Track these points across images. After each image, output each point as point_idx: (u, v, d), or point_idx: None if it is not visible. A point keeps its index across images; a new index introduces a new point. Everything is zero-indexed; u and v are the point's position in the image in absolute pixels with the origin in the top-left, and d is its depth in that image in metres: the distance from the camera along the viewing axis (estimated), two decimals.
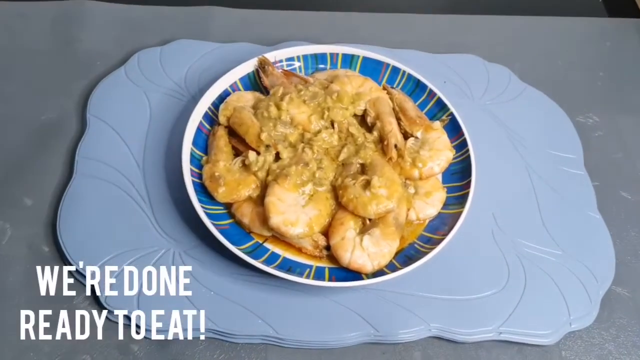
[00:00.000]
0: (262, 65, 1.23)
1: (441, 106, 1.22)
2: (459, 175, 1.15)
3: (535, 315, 1.04)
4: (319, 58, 1.28)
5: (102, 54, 1.36)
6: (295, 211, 1.02)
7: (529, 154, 1.25)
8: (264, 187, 1.07)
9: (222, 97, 1.20)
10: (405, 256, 1.05)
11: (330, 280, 1.01)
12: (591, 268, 1.10)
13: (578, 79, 1.43)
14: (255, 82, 1.25)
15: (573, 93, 1.39)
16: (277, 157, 1.09)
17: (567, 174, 1.23)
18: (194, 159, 1.12)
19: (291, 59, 1.27)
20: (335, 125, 1.14)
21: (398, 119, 1.17)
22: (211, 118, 1.19)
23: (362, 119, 1.19)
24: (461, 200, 1.10)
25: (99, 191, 1.11)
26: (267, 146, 1.09)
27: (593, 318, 1.06)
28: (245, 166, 1.09)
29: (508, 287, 1.07)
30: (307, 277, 1.01)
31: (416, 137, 1.16)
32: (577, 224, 1.16)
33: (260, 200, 1.06)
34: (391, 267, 1.03)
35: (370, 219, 1.05)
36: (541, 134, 1.29)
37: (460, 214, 1.07)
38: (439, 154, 1.12)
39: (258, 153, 1.09)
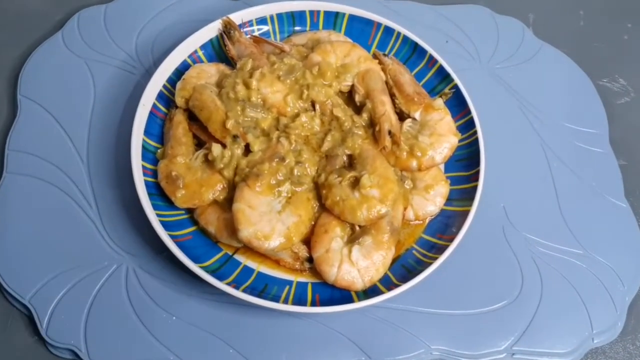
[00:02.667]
0: (227, 29, 1.01)
1: (443, 76, 1.03)
2: (464, 162, 0.97)
3: (553, 330, 0.90)
4: (297, 17, 1.06)
5: (34, 15, 1.13)
6: (270, 220, 0.85)
7: (545, 129, 1.07)
8: (232, 188, 0.89)
9: (181, 71, 0.99)
10: (402, 266, 0.89)
11: (314, 299, 0.86)
12: (616, 269, 0.96)
13: (602, 33, 1.22)
14: (220, 50, 1.03)
15: (596, 51, 1.19)
16: (247, 149, 0.91)
17: (588, 153, 1.06)
18: (147, 153, 0.93)
19: (263, 20, 1.05)
20: (317, 107, 0.94)
21: (392, 95, 0.98)
22: (168, 98, 0.98)
23: (348, 95, 0.99)
24: (467, 194, 0.93)
25: (33, 193, 0.93)
26: (235, 136, 0.90)
27: (619, 330, 0.92)
28: (209, 162, 0.90)
29: (522, 297, 0.92)
30: (287, 296, 0.85)
31: (414, 119, 0.97)
32: (600, 215, 1.00)
33: (227, 203, 0.89)
34: (386, 281, 0.88)
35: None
36: (559, 104, 1.10)
37: (466, 212, 0.90)
38: (442, 140, 0.94)
39: (224, 145, 0.90)
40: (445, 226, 0.92)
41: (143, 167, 0.91)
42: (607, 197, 1.02)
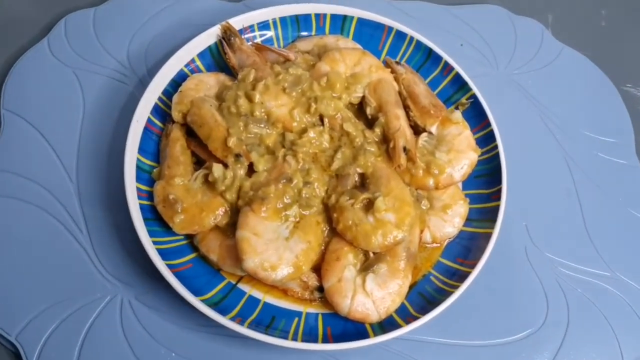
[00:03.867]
0: (227, 35, 0.93)
1: (460, 84, 0.96)
2: (484, 179, 0.90)
3: None
4: (302, 22, 0.99)
5: (17, 20, 1.05)
6: (277, 248, 0.78)
7: (568, 140, 1.01)
8: (235, 212, 0.82)
9: (177, 82, 0.92)
10: (420, 294, 0.83)
11: (325, 332, 0.80)
12: None
13: (624, 34, 1.15)
14: (220, 57, 0.96)
15: (619, 53, 1.12)
16: (251, 168, 0.83)
17: (614, 166, 1.00)
18: (142, 172, 0.86)
19: (265, 24, 0.97)
20: (326, 122, 0.87)
21: (406, 107, 0.91)
22: (163, 112, 0.91)
23: (359, 107, 0.92)
24: (488, 214, 0.87)
25: (18, 217, 0.87)
26: (237, 155, 0.82)
27: None
28: (210, 183, 0.83)
29: (547, 325, 0.86)
30: (296, 330, 0.80)
31: (430, 133, 0.90)
32: (628, 233, 0.95)
33: (230, 229, 0.82)
34: (402, 311, 0.81)
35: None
36: (582, 112, 1.04)
37: (488, 235, 0.84)
38: (460, 156, 0.87)
39: (225, 165, 0.82)
40: (465, 249, 0.86)
41: (138, 189, 0.84)
42: (634, 213, 0.96)
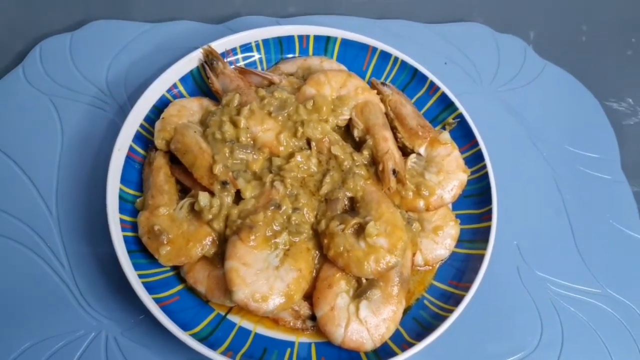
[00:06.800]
0: (209, 59, 0.91)
1: (446, 104, 0.95)
2: (474, 199, 0.89)
3: None
4: (284, 43, 0.97)
5: None
6: (267, 277, 0.76)
7: (555, 157, 1.01)
8: (223, 241, 0.79)
9: (159, 108, 0.89)
10: (414, 320, 0.82)
11: None
12: (638, 307, 0.91)
13: (605, 49, 1.16)
14: (202, 81, 0.93)
15: (600, 68, 1.13)
16: (238, 195, 0.81)
17: (601, 182, 1.00)
18: (124, 203, 0.83)
19: (247, 47, 0.96)
20: (313, 145, 0.86)
21: (393, 128, 0.89)
22: (146, 139, 0.88)
23: (345, 129, 0.91)
24: (479, 235, 0.86)
25: None
26: (224, 183, 0.80)
27: None
28: (196, 212, 0.80)
29: (541, 347, 0.85)
30: None
31: (418, 154, 0.89)
32: (617, 249, 0.95)
33: (218, 259, 0.80)
34: (397, 337, 0.80)
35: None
36: (568, 128, 1.04)
37: (480, 256, 0.83)
38: (450, 177, 0.86)
39: (212, 193, 0.80)
40: (458, 271, 0.85)
41: (121, 220, 0.81)
42: (622, 229, 0.96)
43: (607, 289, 0.90)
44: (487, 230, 0.85)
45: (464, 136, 0.92)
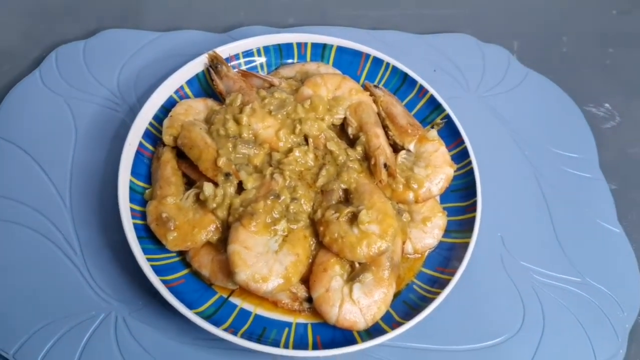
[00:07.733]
0: (214, 64, 0.98)
1: (435, 106, 1.01)
2: (461, 193, 0.95)
3: None
4: (284, 50, 1.04)
5: (9, 53, 1.08)
6: (267, 260, 0.81)
7: (537, 157, 1.07)
8: (226, 228, 0.85)
9: (166, 108, 0.96)
10: (404, 302, 0.87)
11: (315, 341, 0.83)
12: (615, 296, 0.95)
13: (584, 59, 1.24)
14: (207, 84, 1.00)
15: (580, 76, 1.20)
16: (240, 186, 0.87)
17: (580, 179, 1.05)
18: (134, 194, 0.89)
19: (249, 52, 1.03)
20: (310, 141, 0.92)
21: (385, 127, 0.96)
22: (154, 136, 0.95)
23: (341, 128, 0.97)
24: (465, 225, 0.92)
25: (12, 240, 0.89)
26: (227, 174, 0.86)
27: (621, 358, 0.90)
28: (201, 202, 0.86)
29: (524, 330, 0.90)
30: (287, 339, 0.82)
31: (408, 150, 0.95)
32: (595, 241, 1.00)
33: (221, 244, 0.85)
34: (387, 318, 0.85)
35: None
36: (548, 130, 1.10)
37: (465, 245, 0.89)
38: (437, 171, 0.92)
39: (215, 184, 0.86)
40: (444, 259, 0.90)
41: (131, 209, 0.87)
42: (600, 223, 1.01)
43: (586, 277, 0.95)
44: (472, 221, 0.90)
45: (451, 135, 0.99)
